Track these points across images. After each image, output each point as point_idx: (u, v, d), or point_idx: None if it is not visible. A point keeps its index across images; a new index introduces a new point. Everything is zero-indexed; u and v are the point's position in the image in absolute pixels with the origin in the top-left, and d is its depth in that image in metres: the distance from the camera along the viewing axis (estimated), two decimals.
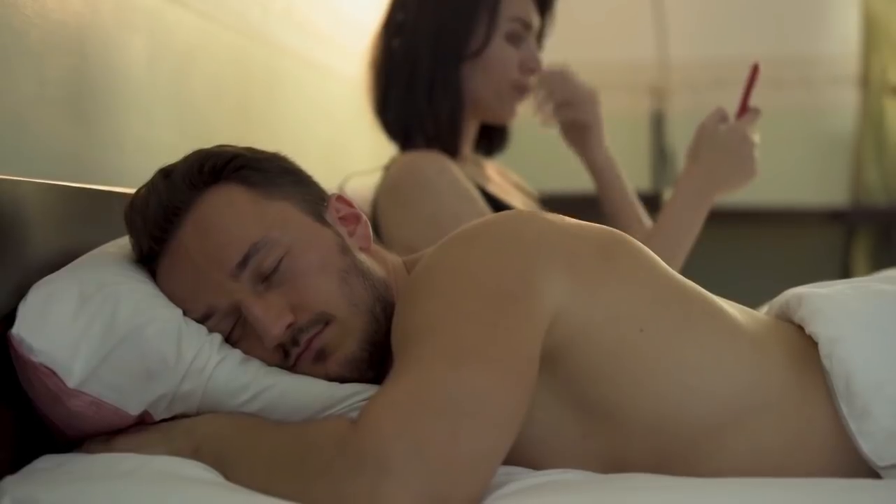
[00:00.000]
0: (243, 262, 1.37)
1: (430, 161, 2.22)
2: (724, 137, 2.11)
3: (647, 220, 2.39)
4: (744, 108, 2.13)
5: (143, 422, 1.37)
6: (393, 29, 2.35)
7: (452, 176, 2.19)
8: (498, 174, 2.48)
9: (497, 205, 2.21)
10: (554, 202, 2.58)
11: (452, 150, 2.30)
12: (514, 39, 2.31)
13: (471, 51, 2.28)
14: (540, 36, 2.41)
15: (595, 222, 1.44)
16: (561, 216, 1.43)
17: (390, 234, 2.22)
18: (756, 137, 2.13)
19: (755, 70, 2.12)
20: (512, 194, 2.41)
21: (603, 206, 2.42)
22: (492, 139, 2.48)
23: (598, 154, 2.40)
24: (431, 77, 2.28)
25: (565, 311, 1.29)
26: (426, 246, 1.56)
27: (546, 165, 3.73)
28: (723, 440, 1.32)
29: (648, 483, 1.24)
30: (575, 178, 3.41)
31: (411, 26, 2.31)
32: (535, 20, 2.36)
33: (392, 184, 2.25)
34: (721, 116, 2.14)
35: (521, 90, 2.35)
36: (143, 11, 2.01)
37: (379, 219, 2.26)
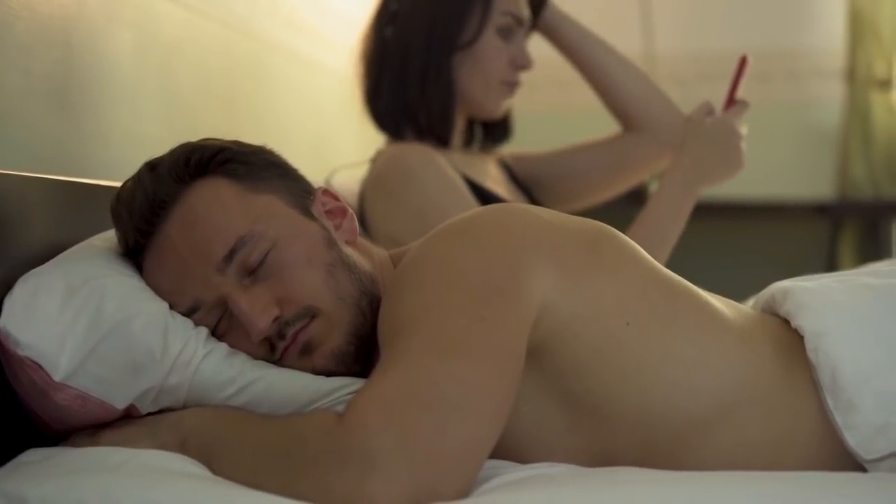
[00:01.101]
0: (229, 256, 1.37)
1: (416, 153, 2.21)
2: (711, 129, 2.11)
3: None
4: (731, 101, 2.14)
5: (129, 415, 1.37)
6: (386, 18, 2.34)
7: (438, 168, 2.18)
8: (495, 169, 2.47)
9: (485, 196, 2.21)
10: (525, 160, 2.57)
11: (444, 142, 2.30)
12: (506, 34, 2.30)
13: (462, 42, 2.28)
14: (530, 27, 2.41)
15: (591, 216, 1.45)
16: (548, 210, 1.43)
17: (376, 227, 2.22)
18: (743, 130, 2.14)
19: (743, 62, 2.12)
20: (505, 188, 2.41)
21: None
22: (493, 133, 2.48)
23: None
24: (424, 67, 2.28)
25: (552, 304, 1.30)
26: (412, 238, 1.56)
27: None
28: (709, 435, 1.32)
29: (634, 477, 1.24)
30: None
31: (405, 15, 2.31)
32: (527, 16, 2.35)
33: (378, 176, 2.25)
34: (708, 110, 2.14)
35: (509, 86, 2.34)
36: (130, 4, 2.01)
37: (365, 211, 2.26)
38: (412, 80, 2.28)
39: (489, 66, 2.29)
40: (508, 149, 2.57)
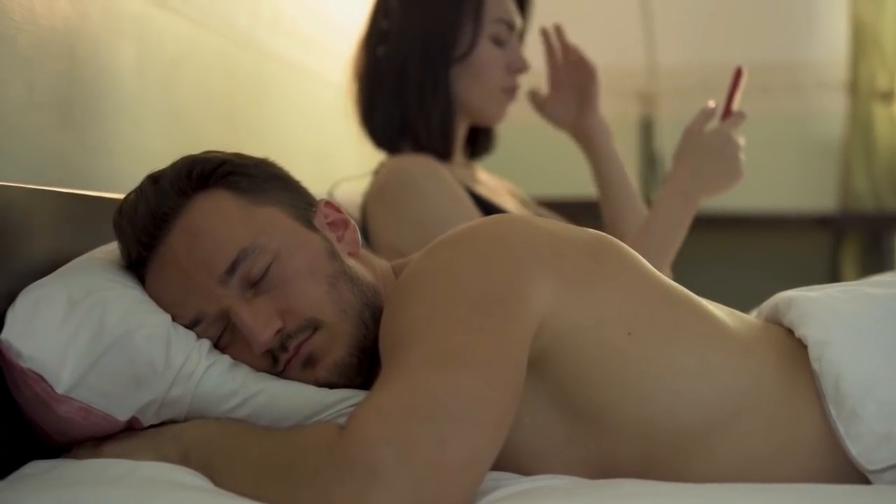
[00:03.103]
0: (232, 268, 1.37)
1: (418, 164, 2.22)
2: (709, 140, 2.12)
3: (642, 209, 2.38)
4: (728, 112, 2.14)
5: (131, 427, 1.37)
6: (377, 37, 2.35)
7: (440, 179, 2.19)
8: (489, 178, 2.48)
9: (487, 207, 2.21)
10: (546, 207, 2.59)
11: (445, 155, 2.30)
12: (499, 41, 2.31)
13: (458, 54, 2.29)
14: (520, 35, 2.42)
15: (587, 227, 1.44)
16: (548, 220, 1.43)
17: (378, 238, 2.22)
18: (741, 140, 2.14)
19: (738, 73, 2.13)
20: (504, 198, 2.41)
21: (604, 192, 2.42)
22: (477, 142, 2.49)
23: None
24: (421, 83, 2.29)
25: (552, 314, 1.29)
26: (414, 249, 1.56)
27: (538, 170, 3.74)
28: (710, 444, 1.32)
29: (638, 490, 1.24)
30: (567, 183, 3.41)
31: (397, 34, 2.32)
32: (518, 21, 2.36)
33: (380, 187, 2.25)
34: (706, 117, 2.14)
35: (509, 92, 2.35)
36: (132, 17, 2.01)
37: (368, 223, 2.26)
38: (410, 96, 2.29)
39: (487, 75, 2.31)
40: (500, 161, 2.57)
